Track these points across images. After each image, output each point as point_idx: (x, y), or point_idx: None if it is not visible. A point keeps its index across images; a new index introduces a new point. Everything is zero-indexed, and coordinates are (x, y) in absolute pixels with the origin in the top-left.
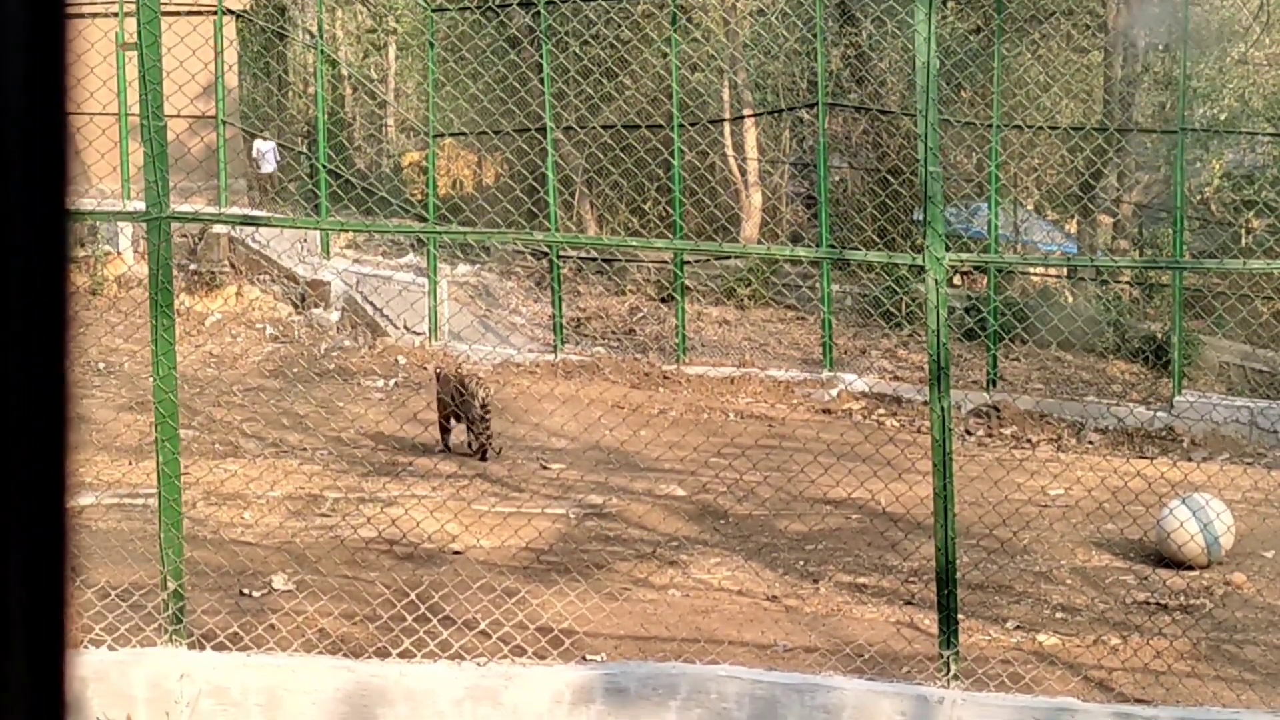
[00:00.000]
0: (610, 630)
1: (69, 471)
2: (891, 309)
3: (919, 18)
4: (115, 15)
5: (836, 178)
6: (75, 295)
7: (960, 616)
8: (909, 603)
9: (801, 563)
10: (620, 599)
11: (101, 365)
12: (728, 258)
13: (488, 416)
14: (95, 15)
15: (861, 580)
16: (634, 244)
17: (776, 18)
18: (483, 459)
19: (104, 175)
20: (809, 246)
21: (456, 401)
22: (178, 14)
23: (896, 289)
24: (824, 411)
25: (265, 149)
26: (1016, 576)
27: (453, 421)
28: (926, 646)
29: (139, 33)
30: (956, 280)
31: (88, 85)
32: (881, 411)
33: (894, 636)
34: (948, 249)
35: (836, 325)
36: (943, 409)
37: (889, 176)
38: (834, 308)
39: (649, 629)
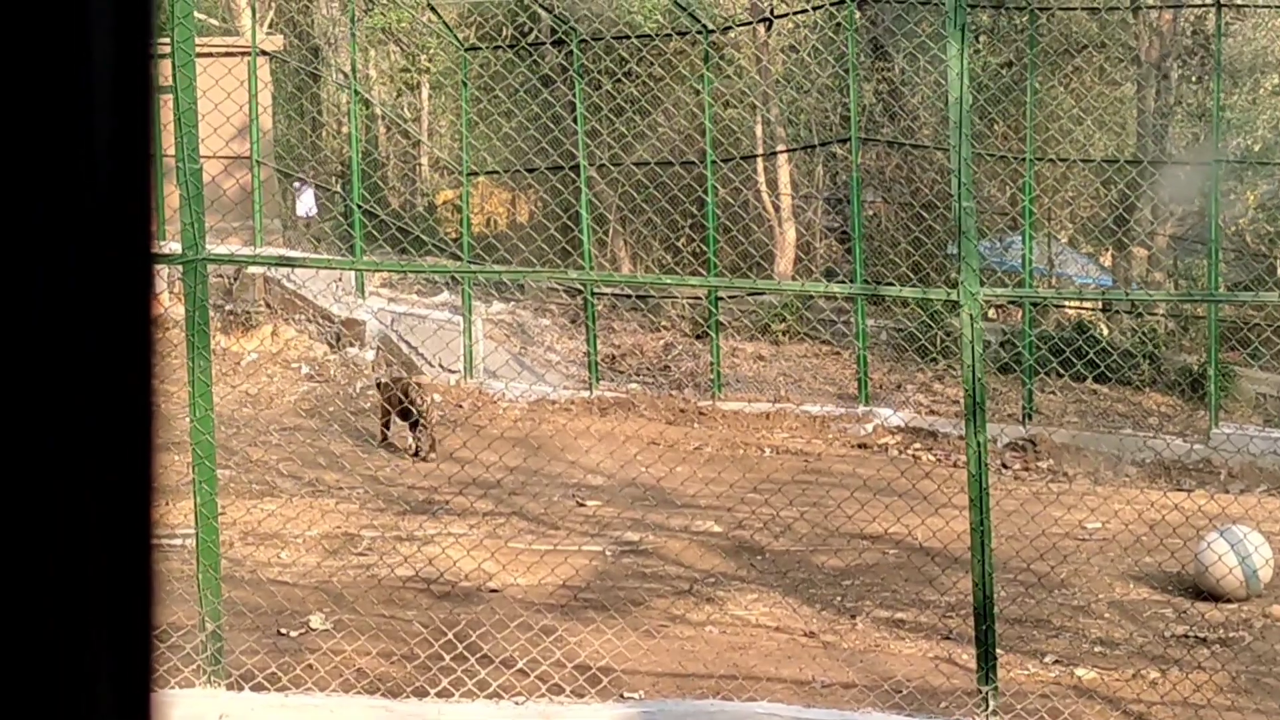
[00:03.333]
0: (648, 667)
1: (155, 500)
2: (927, 343)
3: (951, 53)
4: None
5: (870, 212)
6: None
7: (998, 651)
8: (947, 638)
9: (839, 598)
10: (657, 636)
11: None
12: (762, 293)
13: (431, 420)
14: None
15: (899, 615)
16: (668, 281)
17: (809, 53)
18: (425, 460)
19: None
20: (843, 282)
21: (399, 408)
22: (213, 56)
23: (931, 323)
24: (860, 446)
25: (304, 192)
26: (1055, 610)
27: (395, 423)
28: (965, 682)
29: (173, 76)
30: (992, 314)
31: None
32: (917, 446)
33: (932, 672)
34: (982, 284)
35: (872, 360)
36: (978, 444)
37: (923, 211)
38: (869, 342)
39: (686, 666)
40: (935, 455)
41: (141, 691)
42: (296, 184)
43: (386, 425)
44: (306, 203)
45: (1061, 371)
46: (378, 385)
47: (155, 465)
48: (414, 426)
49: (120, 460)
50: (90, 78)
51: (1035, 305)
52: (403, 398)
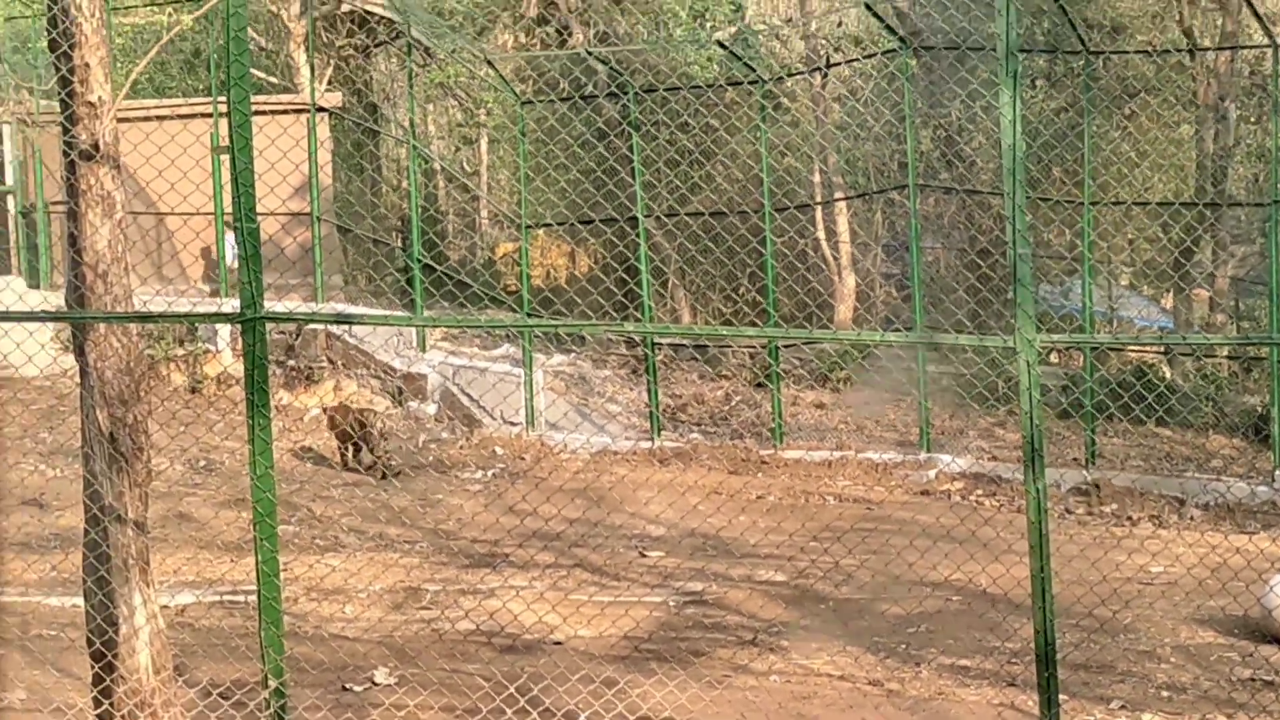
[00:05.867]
0: (711, 718)
1: None
2: (985, 391)
3: (1003, 100)
4: (209, 116)
5: (930, 258)
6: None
7: (1063, 697)
8: (1011, 684)
9: (902, 646)
10: (720, 686)
11: (202, 463)
12: (820, 343)
13: (385, 442)
14: (189, 118)
15: (963, 662)
16: (725, 333)
17: (865, 101)
18: (383, 478)
19: (200, 275)
20: (899, 330)
21: (358, 433)
22: (273, 113)
23: (990, 370)
24: (922, 493)
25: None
26: (1119, 655)
27: (353, 450)
28: None
29: (230, 136)
30: (1053, 357)
31: (182, 188)
32: (980, 492)
33: (996, 719)
34: (1039, 330)
35: (933, 406)
36: (1038, 491)
37: (978, 258)
38: (930, 388)
39: (750, 716)
40: (998, 500)
41: None
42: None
43: (345, 452)
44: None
45: (1123, 415)
46: (324, 410)
47: None
48: (371, 449)
49: None
50: None
51: (1095, 349)
52: (360, 424)
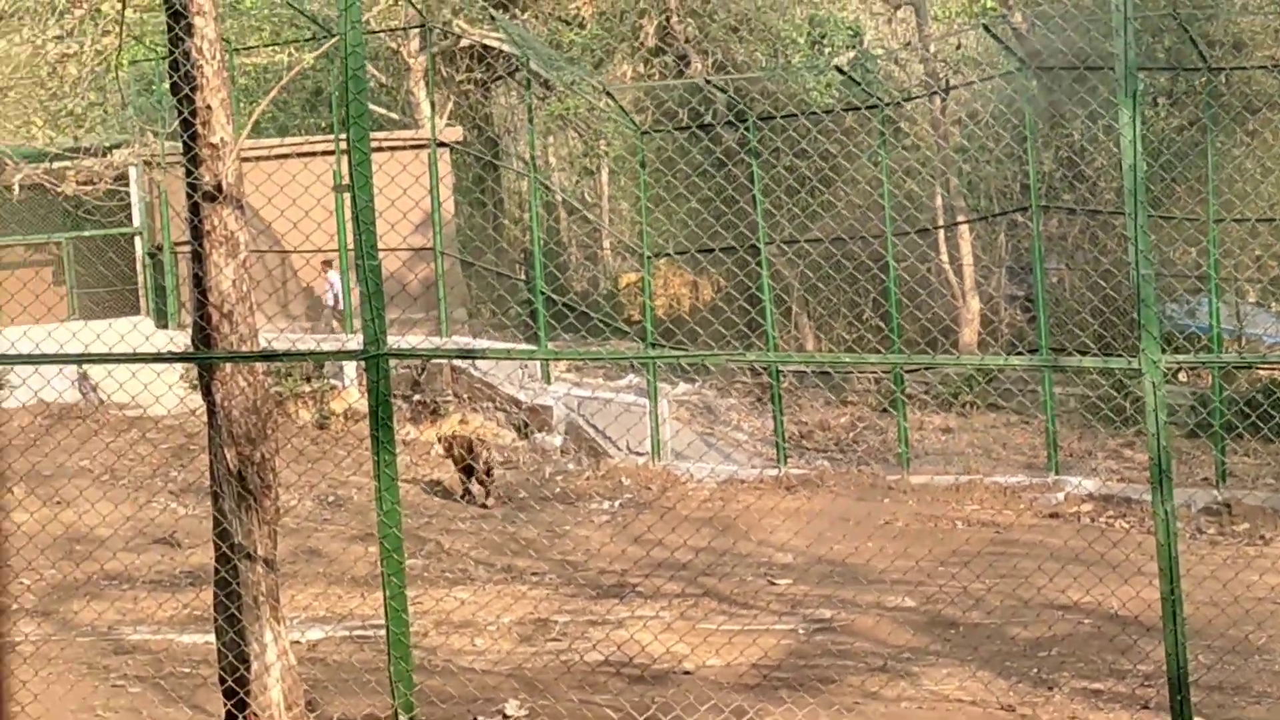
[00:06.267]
0: None
1: None
2: (1110, 413)
3: (1123, 120)
4: (331, 154)
5: (1054, 280)
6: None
7: (1197, 719)
8: (1144, 707)
9: (1034, 670)
10: (850, 714)
11: (331, 498)
12: (944, 367)
13: (492, 471)
14: (310, 155)
15: (1095, 686)
16: (848, 360)
17: (984, 124)
18: (484, 507)
19: (303, 313)
20: (1022, 353)
21: (466, 460)
22: (393, 149)
23: (1116, 392)
24: (1051, 516)
25: (334, 279)
26: (1253, 677)
27: (463, 479)
28: None
29: (351, 174)
30: (1181, 376)
31: (304, 227)
32: (1110, 514)
33: None
34: (1164, 350)
35: (1060, 428)
36: (1166, 512)
37: (1101, 280)
38: (1057, 410)
39: None
40: (1128, 522)
41: None
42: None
43: (466, 482)
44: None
45: (1253, 434)
46: (444, 443)
47: None
48: (478, 476)
49: None
50: None
51: (1222, 368)
52: (469, 452)
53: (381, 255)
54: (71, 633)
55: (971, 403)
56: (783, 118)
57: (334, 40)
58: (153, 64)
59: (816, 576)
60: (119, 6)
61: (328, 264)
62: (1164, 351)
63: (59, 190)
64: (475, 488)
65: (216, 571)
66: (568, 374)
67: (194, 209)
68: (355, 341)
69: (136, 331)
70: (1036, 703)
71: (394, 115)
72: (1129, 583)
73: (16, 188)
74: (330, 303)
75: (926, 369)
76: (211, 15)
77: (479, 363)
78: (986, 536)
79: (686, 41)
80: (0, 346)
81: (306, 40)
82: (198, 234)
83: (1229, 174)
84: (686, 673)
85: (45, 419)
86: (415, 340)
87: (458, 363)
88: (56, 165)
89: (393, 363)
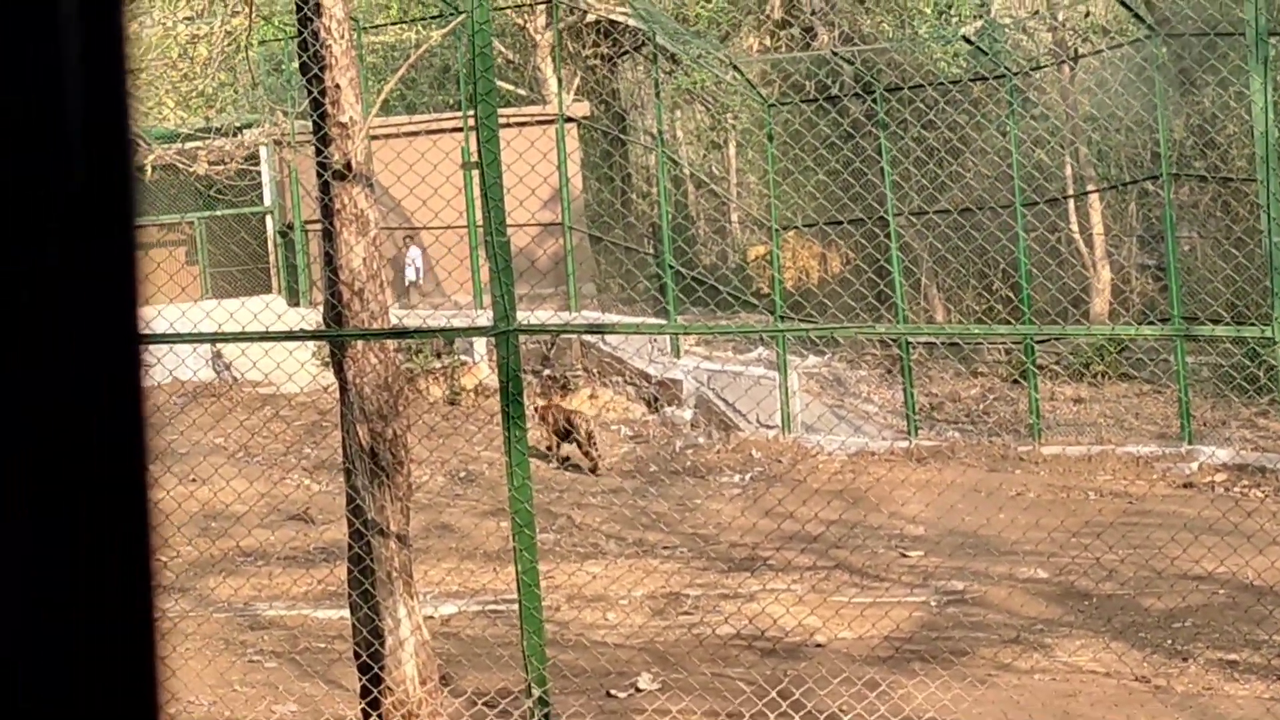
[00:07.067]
0: (974, 718)
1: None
2: (1243, 381)
3: (1254, 86)
4: (459, 132)
5: (1185, 248)
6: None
7: None
8: None
9: (1168, 641)
10: (983, 686)
11: (462, 474)
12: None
13: (593, 438)
14: (439, 133)
15: (1230, 657)
16: (977, 332)
17: (1114, 92)
18: (594, 472)
19: (457, 288)
20: (1153, 323)
21: (564, 431)
22: (520, 125)
23: (1250, 360)
24: (1185, 486)
25: (413, 256)
26: None
27: (558, 443)
28: None
29: (479, 151)
30: None
31: (433, 204)
32: (1245, 483)
33: (1266, 715)
34: None
35: (1193, 397)
36: None
37: (1233, 248)
38: (1190, 379)
39: (1013, 715)
40: (1263, 492)
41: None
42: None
43: (552, 445)
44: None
45: None
46: (539, 411)
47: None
48: (580, 446)
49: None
50: (59, 63)
51: None
52: (570, 424)
53: (510, 231)
54: (208, 608)
55: (1103, 373)
56: (910, 89)
57: (461, 18)
58: (282, 44)
59: (948, 548)
60: None
61: (410, 238)
62: None
63: (191, 170)
64: (575, 453)
65: (350, 547)
66: (697, 348)
67: (324, 188)
68: (485, 317)
69: (269, 310)
70: (1171, 674)
71: (521, 91)
72: (1264, 553)
73: (150, 169)
74: (412, 277)
75: (1057, 339)
76: None
77: (608, 337)
78: (1119, 507)
79: (813, 13)
80: None
81: (434, 18)
82: (328, 212)
83: None
84: (818, 645)
85: (180, 397)
86: (544, 316)
87: (587, 337)
88: (188, 146)
89: (522, 338)
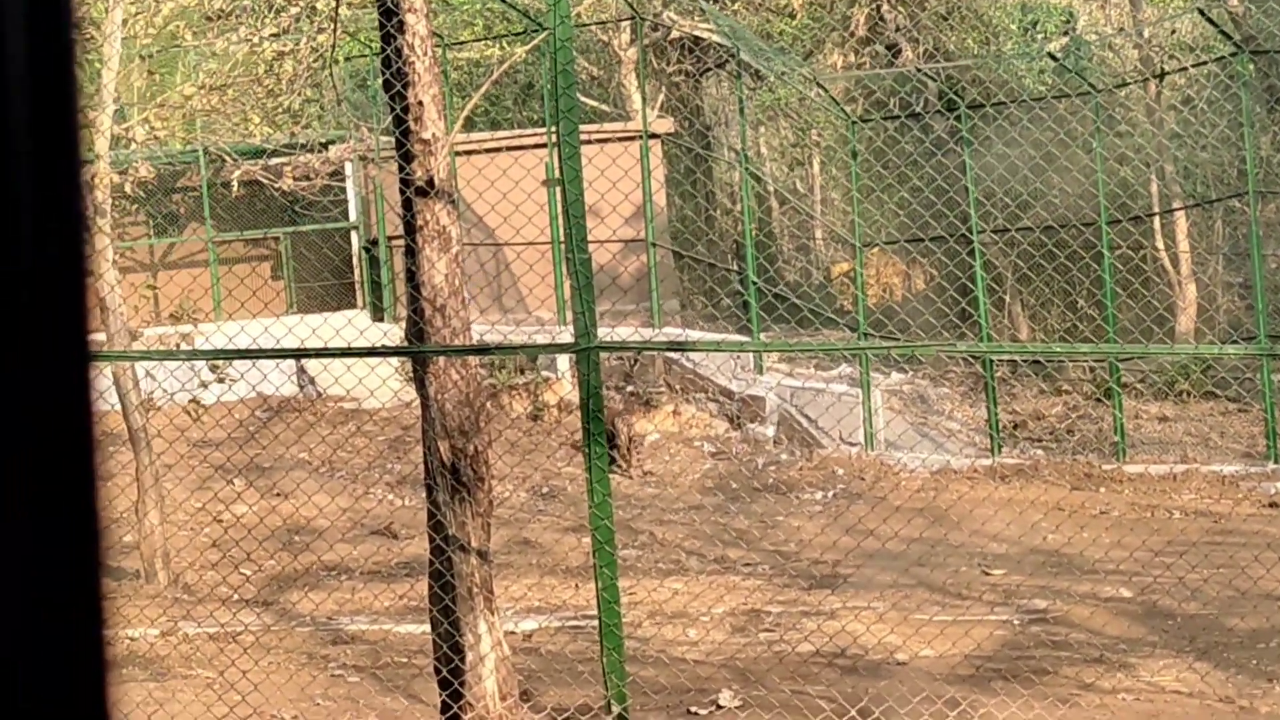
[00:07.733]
0: None
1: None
2: None
3: None
4: (543, 148)
5: (1272, 265)
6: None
7: None
8: None
9: (1253, 662)
10: (1065, 705)
11: (544, 489)
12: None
13: (632, 444)
14: (521, 149)
15: None
16: (1059, 350)
17: (1200, 108)
18: (626, 475)
19: (539, 304)
20: (1238, 343)
21: (609, 435)
22: (602, 141)
23: None
24: (1270, 505)
25: None
26: None
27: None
28: None
29: (561, 167)
30: None
31: (514, 221)
32: None
33: None
34: None
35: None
36: None
37: None
38: (1276, 397)
39: None
40: None
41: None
42: None
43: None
44: None
45: None
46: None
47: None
48: (619, 450)
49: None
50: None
51: None
52: (612, 429)
53: (592, 248)
54: (291, 623)
55: (1188, 391)
56: (994, 106)
57: (544, 34)
58: (367, 60)
59: (1030, 567)
60: (333, 4)
61: None
62: None
63: (276, 186)
64: (617, 456)
65: (431, 563)
66: (780, 364)
67: (406, 204)
68: (568, 334)
69: (351, 326)
70: (1255, 695)
71: (605, 108)
72: None
73: (235, 184)
74: None
75: (1141, 358)
76: (423, 12)
77: (691, 354)
78: (1203, 526)
79: (897, 30)
80: (219, 341)
81: (518, 34)
82: (410, 229)
83: None
84: (900, 663)
85: (264, 412)
86: (626, 332)
87: (670, 354)
88: (274, 161)
89: (605, 355)
